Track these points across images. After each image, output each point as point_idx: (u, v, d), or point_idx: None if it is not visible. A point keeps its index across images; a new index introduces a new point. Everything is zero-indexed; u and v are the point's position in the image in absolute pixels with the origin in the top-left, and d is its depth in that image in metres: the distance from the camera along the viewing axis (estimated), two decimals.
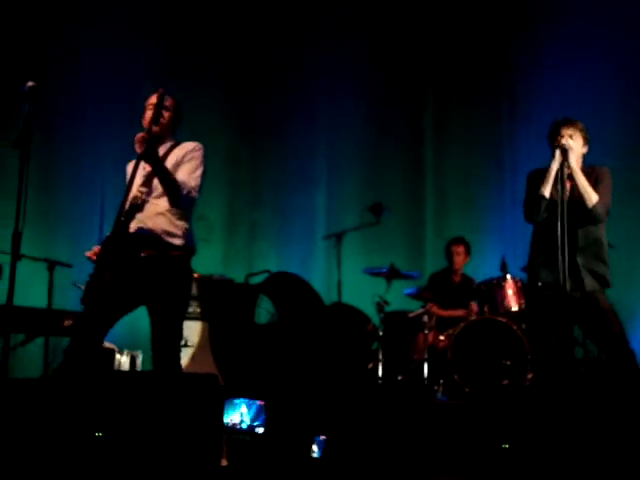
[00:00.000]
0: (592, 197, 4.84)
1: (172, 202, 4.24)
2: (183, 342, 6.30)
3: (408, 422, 5.60)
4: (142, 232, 4.22)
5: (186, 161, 4.28)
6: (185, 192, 4.22)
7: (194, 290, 6.53)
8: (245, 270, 7.75)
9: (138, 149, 4.13)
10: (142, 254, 4.20)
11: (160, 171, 4.18)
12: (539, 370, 5.32)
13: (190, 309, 6.44)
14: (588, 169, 4.98)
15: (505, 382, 6.72)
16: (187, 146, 4.33)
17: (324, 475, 5.06)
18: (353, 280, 7.80)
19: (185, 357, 6.30)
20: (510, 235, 8.26)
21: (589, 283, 4.83)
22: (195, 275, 6.58)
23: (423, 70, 9.08)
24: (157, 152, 4.20)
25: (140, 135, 4.12)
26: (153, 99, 4.38)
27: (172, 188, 4.19)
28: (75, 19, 8.28)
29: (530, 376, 6.53)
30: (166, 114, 4.40)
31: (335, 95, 8.98)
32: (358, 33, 8.99)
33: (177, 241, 4.27)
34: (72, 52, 8.22)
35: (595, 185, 4.90)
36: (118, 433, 4.65)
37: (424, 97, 9.13)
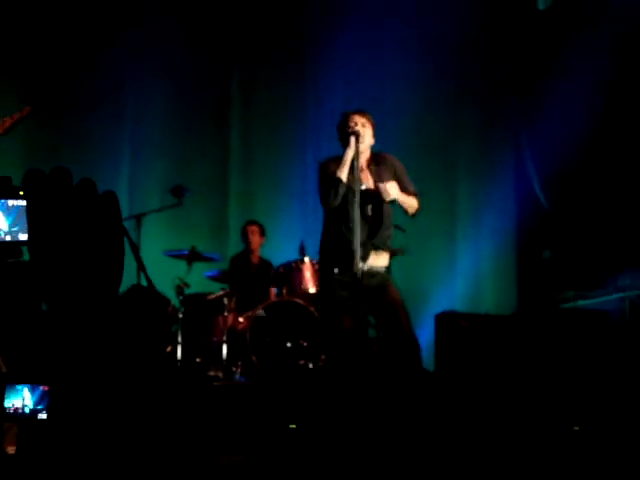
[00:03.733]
0: (414, 205, 5.04)
1: None
2: None
3: (203, 404, 5.60)
4: None
5: None
6: None
7: None
8: None
9: None
10: None
11: None
12: (330, 351, 5.46)
13: None
14: (377, 156, 5.14)
15: (301, 362, 6.85)
16: None
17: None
18: (153, 262, 7.63)
19: None
20: (312, 218, 8.37)
21: (382, 265, 5.02)
22: None
23: (229, 46, 8.98)
24: None
25: None
26: None
27: None
28: None
29: (324, 357, 6.69)
30: None
31: (142, 75, 8.77)
32: (166, 12, 8.84)
33: None
34: None
35: (397, 177, 5.07)
36: None
37: (231, 74, 9.06)
